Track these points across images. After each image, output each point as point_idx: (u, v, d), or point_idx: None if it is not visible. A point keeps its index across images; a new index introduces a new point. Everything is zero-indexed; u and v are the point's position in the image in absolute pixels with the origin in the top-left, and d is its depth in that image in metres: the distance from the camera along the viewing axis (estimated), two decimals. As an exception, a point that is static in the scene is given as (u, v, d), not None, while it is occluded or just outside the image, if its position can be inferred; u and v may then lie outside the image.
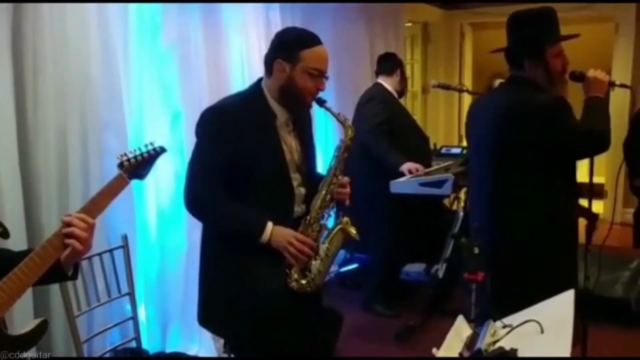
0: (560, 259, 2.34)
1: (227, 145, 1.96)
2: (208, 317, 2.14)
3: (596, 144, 2.26)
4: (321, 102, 2.07)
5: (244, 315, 2.00)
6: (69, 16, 2.51)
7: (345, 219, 2.10)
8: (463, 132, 5.01)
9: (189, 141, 2.66)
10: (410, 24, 6.35)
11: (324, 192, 2.07)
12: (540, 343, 1.39)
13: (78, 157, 2.58)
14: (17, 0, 2.34)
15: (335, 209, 2.13)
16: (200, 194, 2.01)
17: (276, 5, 3.88)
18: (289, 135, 2.11)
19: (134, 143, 2.63)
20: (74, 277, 1.57)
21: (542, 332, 1.43)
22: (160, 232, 3.09)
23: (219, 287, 2.07)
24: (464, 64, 7.07)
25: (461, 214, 3.65)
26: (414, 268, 4.31)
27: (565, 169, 2.37)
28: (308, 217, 2.06)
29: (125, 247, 2.51)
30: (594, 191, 2.63)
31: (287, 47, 2.01)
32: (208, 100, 2.89)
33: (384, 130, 3.71)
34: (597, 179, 4.34)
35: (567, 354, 1.32)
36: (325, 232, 2.09)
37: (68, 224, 1.46)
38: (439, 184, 3.39)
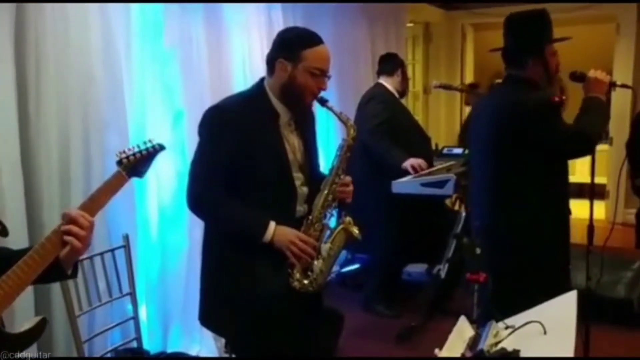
0: (557, 257, 2.36)
1: (229, 145, 1.96)
2: (209, 317, 2.13)
3: (581, 146, 2.29)
4: (323, 102, 2.07)
5: (245, 315, 1.99)
6: (72, 16, 2.52)
7: (348, 218, 2.09)
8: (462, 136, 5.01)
9: (191, 141, 2.66)
10: (411, 24, 6.34)
11: (326, 191, 2.06)
12: (543, 344, 1.38)
13: (80, 156, 2.58)
14: (20, 0, 2.34)
15: (337, 209, 2.13)
16: (203, 193, 2.00)
17: (278, 5, 3.89)
18: (291, 134, 2.10)
19: (135, 142, 2.59)
20: (73, 276, 1.56)
21: (544, 333, 1.42)
22: (161, 232, 3.09)
23: (221, 287, 2.06)
24: (465, 65, 7.08)
25: (464, 214, 3.65)
26: (415, 268, 4.31)
27: (560, 169, 2.40)
28: (310, 217, 2.06)
29: (126, 246, 2.51)
30: (595, 192, 2.63)
31: (289, 46, 2.00)
32: (210, 99, 2.89)
33: (385, 130, 3.71)
34: (598, 180, 4.34)
35: (570, 356, 1.31)
36: (328, 232, 2.08)
37: (69, 220, 1.44)
38: (441, 184, 3.38)
